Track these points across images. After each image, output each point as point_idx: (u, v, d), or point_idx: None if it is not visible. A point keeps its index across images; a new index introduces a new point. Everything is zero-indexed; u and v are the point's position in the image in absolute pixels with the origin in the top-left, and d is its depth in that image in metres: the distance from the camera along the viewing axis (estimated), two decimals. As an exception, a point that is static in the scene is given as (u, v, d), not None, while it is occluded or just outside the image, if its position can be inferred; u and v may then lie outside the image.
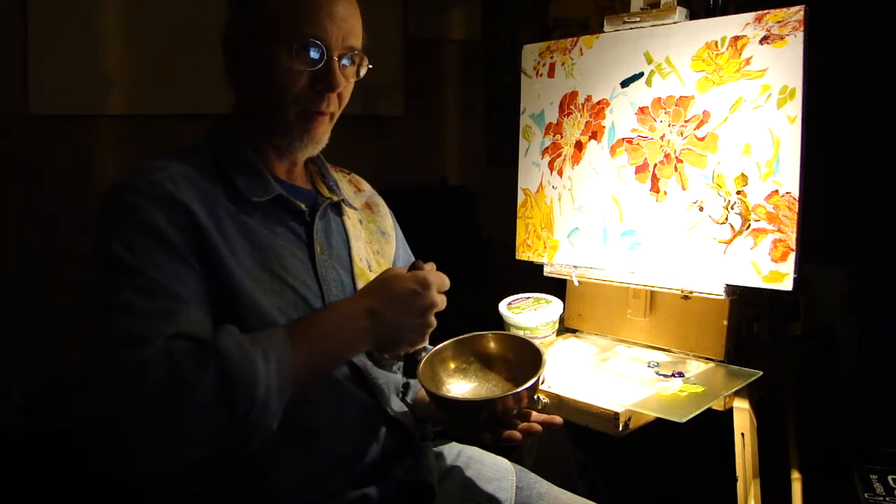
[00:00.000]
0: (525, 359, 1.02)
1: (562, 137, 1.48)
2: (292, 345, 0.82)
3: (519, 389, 0.94)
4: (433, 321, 0.92)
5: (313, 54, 0.93)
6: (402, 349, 0.94)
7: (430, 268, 0.94)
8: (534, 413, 0.99)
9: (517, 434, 0.96)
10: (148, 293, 0.81)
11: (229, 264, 0.87)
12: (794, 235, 1.15)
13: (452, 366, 1.07)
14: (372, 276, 1.05)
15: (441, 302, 0.91)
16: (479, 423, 0.98)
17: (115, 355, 0.76)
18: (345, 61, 0.96)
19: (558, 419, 0.99)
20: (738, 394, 1.28)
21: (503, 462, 1.13)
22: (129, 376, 0.74)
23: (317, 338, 0.86)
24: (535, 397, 1.15)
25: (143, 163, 0.91)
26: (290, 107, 0.95)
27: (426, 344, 0.97)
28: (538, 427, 0.97)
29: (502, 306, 1.42)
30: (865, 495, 1.32)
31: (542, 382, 1.15)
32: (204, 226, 0.87)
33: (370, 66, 1.01)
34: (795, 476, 1.54)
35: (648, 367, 1.29)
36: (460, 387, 1.06)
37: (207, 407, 0.75)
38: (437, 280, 0.91)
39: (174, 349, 0.77)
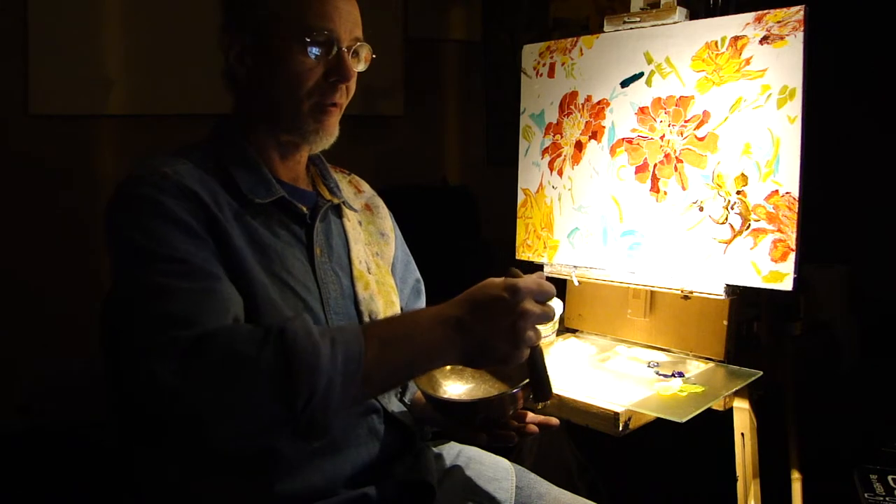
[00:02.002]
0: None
1: (562, 137, 1.48)
2: (366, 343, 0.77)
3: (514, 390, 0.94)
4: (528, 335, 0.80)
5: (325, 46, 0.94)
6: (494, 363, 0.85)
7: (532, 276, 0.84)
8: (530, 414, 0.99)
9: (513, 434, 0.96)
10: (182, 276, 0.80)
11: (244, 254, 0.87)
12: (794, 235, 1.15)
13: (448, 367, 1.07)
14: (371, 279, 1.04)
15: (537, 312, 0.80)
16: (475, 424, 0.98)
17: (171, 336, 0.74)
18: (353, 52, 0.97)
19: (555, 420, 0.99)
20: (738, 394, 1.28)
21: (503, 462, 1.13)
22: (189, 353, 0.73)
23: (393, 341, 0.79)
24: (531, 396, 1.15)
25: (149, 159, 0.91)
26: (304, 101, 0.95)
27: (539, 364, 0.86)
28: (535, 428, 0.97)
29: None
30: (865, 495, 1.32)
31: None
32: (216, 215, 0.87)
33: (374, 56, 1.02)
34: (795, 476, 1.54)
35: (648, 367, 1.29)
36: (456, 388, 1.06)
37: (263, 389, 0.72)
38: (533, 287, 0.81)
39: (235, 327, 0.76)
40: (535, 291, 0.81)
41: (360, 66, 1.00)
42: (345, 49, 0.95)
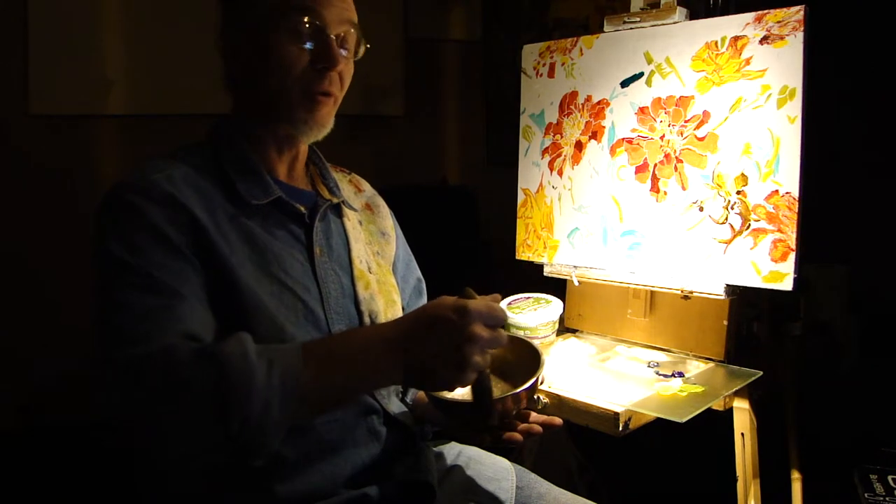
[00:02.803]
0: (524, 359, 1.02)
1: (562, 137, 1.48)
2: (305, 364, 0.75)
3: (518, 390, 0.94)
4: (474, 359, 0.77)
5: (311, 32, 0.93)
6: (439, 388, 0.84)
7: (486, 298, 0.81)
8: (533, 414, 0.99)
9: (518, 436, 0.96)
10: (146, 291, 0.80)
11: (231, 264, 0.87)
12: (794, 235, 1.15)
13: None
14: (372, 278, 1.04)
15: (485, 337, 0.77)
16: (479, 425, 0.97)
17: (112, 354, 0.76)
18: (342, 39, 0.96)
19: (558, 420, 0.99)
20: (738, 394, 1.28)
21: (503, 462, 1.13)
22: (127, 374, 0.74)
23: (333, 362, 0.78)
24: (535, 397, 1.15)
25: (144, 163, 0.91)
26: (292, 89, 0.94)
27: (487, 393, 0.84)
28: (538, 428, 0.97)
29: (502, 306, 1.42)
30: (865, 495, 1.32)
31: (542, 383, 1.15)
32: (204, 226, 0.86)
33: (368, 46, 1.01)
34: (795, 476, 1.54)
35: (648, 367, 1.29)
36: (459, 388, 1.06)
37: (198, 414, 0.72)
38: (483, 311, 0.77)
39: (175, 348, 0.75)
40: (485, 315, 0.77)
41: (351, 55, 0.98)
42: (333, 36, 0.94)
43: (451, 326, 0.76)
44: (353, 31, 0.98)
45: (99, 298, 0.82)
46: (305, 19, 0.93)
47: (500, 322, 0.79)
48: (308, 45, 0.93)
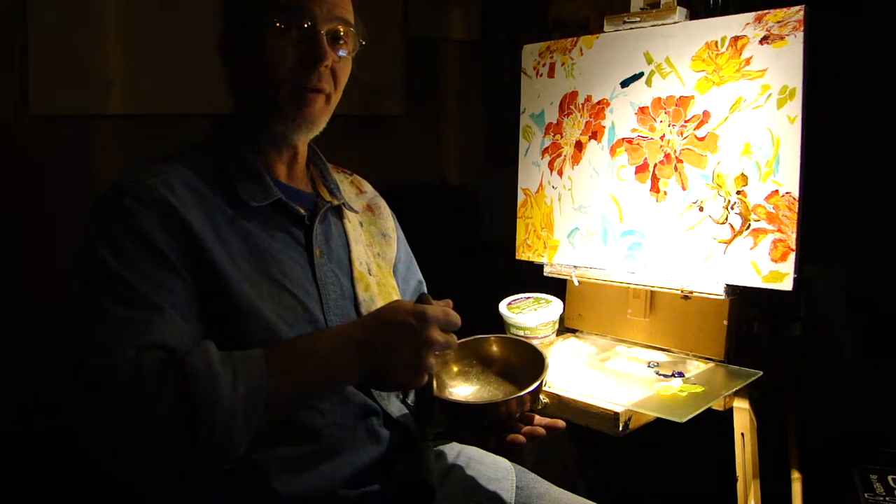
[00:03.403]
0: (527, 362, 1.02)
1: (562, 137, 1.48)
2: (268, 368, 0.78)
3: (522, 393, 0.94)
4: (429, 362, 0.82)
5: (298, 26, 0.93)
6: (393, 388, 0.89)
7: (440, 304, 0.86)
8: (536, 416, 0.99)
9: (521, 438, 0.95)
10: (125, 301, 0.80)
11: (226, 272, 0.86)
12: (794, 235, 1.15)
13: (455, 369, 1.07)
14: (372, 280, 1.04)
15: (441, 341, 0.82)
16: (482, 427, 0.97)
17: (82, 363, 0.76)
18: (333, 34, 0.95)
19: (561, 423, 0.98)
20: (738, 394, 1.28)
21: (503, 462, 1.13)
22: (93, 385, 0.74)
23: (296, 364, 0.81)
24: (537, 399, 1.15)
25: (142, 165, 0.91)
26: (281, 84, 0.93)
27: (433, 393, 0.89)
28: (542, 430, 0.96)
29: (502, 306, 1.42)
30: (865, 495, 1.32)
31: (545, 385, 1.15)
32: (198, 233, 0.86)
33: (363, 42, 1.00)
34: (795, 476, 1.54)
35: (648, 367, 1.29)
36: (462, 390, 1.06)
37: (167, 424, 0.73)
38: (441, 317, 0.83)
39: (142, 361, 0.75)
40: (442, 321, 0.82)
41: (342, 51, 0.97)
42: (322, 32, 0.94)
43: (410, 331, 0.81)
44: (346, 27, 0.97)
45: (80, 303, 0.82)
46: (294, 15, 0.92)
47: (454, 327, 0.84)
48: (297, 41, 0.93)
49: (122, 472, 0.76)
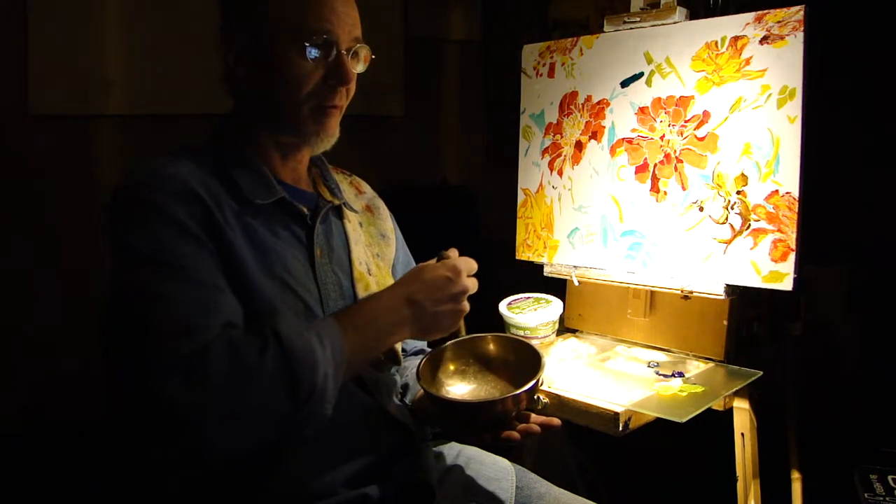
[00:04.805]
0: (524, 361, 1.02)
1: (562, 137, 1.48)
2: (344, 331, 0.85)
3: (518, 391, 0.94)
4: (466, 306, 0.96)
5: (324, 50, 0.94)
6: (438, 335, 0.97)
7: (455, 255, 0.97)
8: (533, 414, 0.99)
9: (515, 434, 0.96)
10: (190, 283, 0.81)
11: (244, 259, 0.87)
12: (794, 235, 1.15)
13: (452, 367, 1.07)
14: (371, 280, 1.05)
15: (472, 285, 0.96)
16: (479, 425, 0.98)
17: (172, 346, 0.75)
18: (353, 54, 0.97)
19: (557, 421, 0.99)
20: (738, 394, 1.28)
21: (503, 462, 1.13)
22: (191, 365, 0.74)
23: (362, 326, 0.89)
24: (535, 398, 1.15)
25: (151, 161, 0.91)
26: (303, 104, 0.95)
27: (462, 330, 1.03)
28: (537, 428, 0.97)
29: (502, 306, 1.42)
30: (865, 495, 1.32)
31: (542, 384, 1.16)
32: (217, 218, 0.87)
33: (373, 57, 1.02)
34: (795, 476, 1.54)
35: (648, 367, 1.29)
36: (459, 388, 1.06)
37: (270, 392, 0.76)
38: (466, 265, 0.95)
39: (232, 336, 0.78)
40: (468, 269, 0.96)
41: (360, 68, 0.99)
42: (344, 51, 0.95)
43: (449, 283, 0.94)
44: (361, 44, 0.99)
45: (129, 296, 0.81)
46: (319, 37, 0.93)
47: (475, 270, 0.98)
48: (321, 62, 0.94)
49: (221, 449, 0.78)
